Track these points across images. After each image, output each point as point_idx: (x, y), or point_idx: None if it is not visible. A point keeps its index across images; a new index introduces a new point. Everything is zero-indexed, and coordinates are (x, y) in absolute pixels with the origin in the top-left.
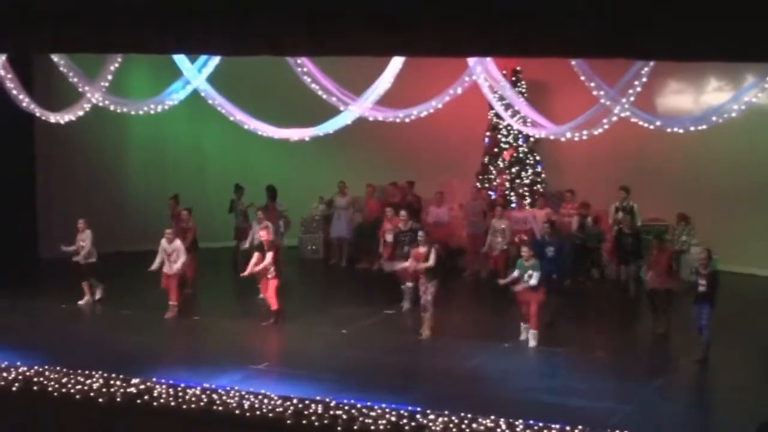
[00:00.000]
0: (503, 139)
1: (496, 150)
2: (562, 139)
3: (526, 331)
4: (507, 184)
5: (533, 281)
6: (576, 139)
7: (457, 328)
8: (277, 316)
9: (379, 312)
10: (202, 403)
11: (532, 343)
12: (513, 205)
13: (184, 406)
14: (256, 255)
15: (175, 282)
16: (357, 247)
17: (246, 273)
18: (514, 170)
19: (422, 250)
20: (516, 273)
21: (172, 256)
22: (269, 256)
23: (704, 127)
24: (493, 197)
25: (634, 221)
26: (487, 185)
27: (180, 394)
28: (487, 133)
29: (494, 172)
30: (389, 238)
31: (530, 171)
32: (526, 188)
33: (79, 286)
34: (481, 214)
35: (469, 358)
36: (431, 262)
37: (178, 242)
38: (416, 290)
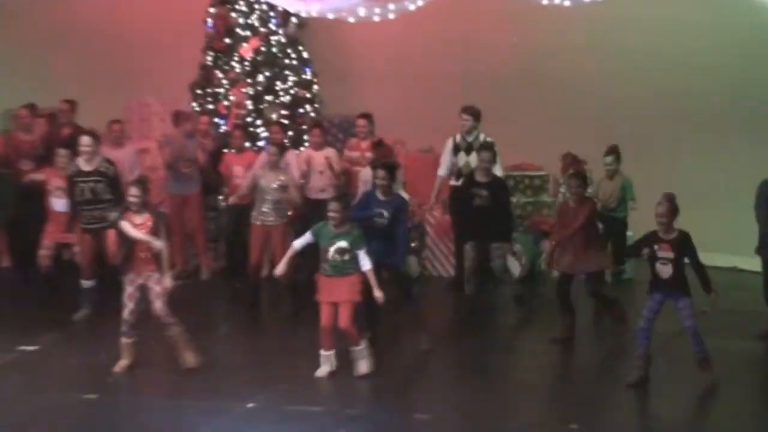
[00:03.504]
0: (241, 21)
1: (227, 41)
2: (351, 20)
3: (329, 361)
4: (249, 105)
5: (364, 260)
6: (376, 20)
7: (169, 380)
8: None
9: (12, 348)
10: None
11: (362, 368)
12: (263, 143)
13: None
14: None
15: None
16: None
17: None
18: (261, 78)
19: (138, 220)
20: (298, 242)
21: None
22: None
23: None
24: (223, 129)
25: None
26: (210, 107)
27: None
28: (210, 10)
29: (224, 81)
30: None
31: (292, 79)
32: (285, 111)
33: None
34: (198, 158)
35: (188, 429)
36: (160, 242)
37: None
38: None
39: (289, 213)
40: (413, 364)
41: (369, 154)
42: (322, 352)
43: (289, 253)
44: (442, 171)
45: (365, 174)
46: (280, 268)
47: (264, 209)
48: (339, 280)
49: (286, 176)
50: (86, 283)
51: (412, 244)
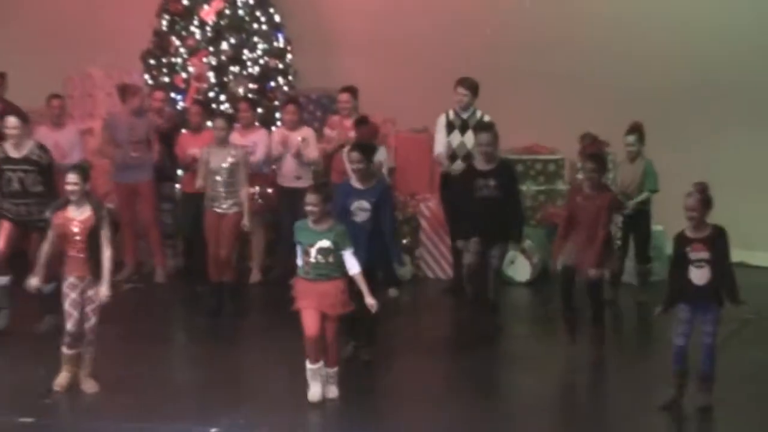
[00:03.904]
0: None
1: (186, 3)
2: None
3: (320, 375)
4: (211, 77)
5: (351, 262)
6: None
7: (117, 399)
8: None
9: None
10: None
11: (333, 393)
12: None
13: None
14: None
15: None
16: None
17: None
18: (226, 45)
19: (78, 215)
20: (300, 258)
21: None
22: None
23: None
24: (181, 105)
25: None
26: (166, 80)
27: None
28: None
29: (182, 50)
30: None
31: (262, 47)
32: (253, 85)
33: None
34: (149, 141)
35: None
36: (105, 244)
37: None
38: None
39: (259, 202)
40: (405, 381)
41: (353, 133)
42: (310, 366)
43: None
44: (438, 148)
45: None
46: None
47: (215, 193)
48: (325, 284)
49: (237, 151)
50: (1, 280)
51: (404, 241)
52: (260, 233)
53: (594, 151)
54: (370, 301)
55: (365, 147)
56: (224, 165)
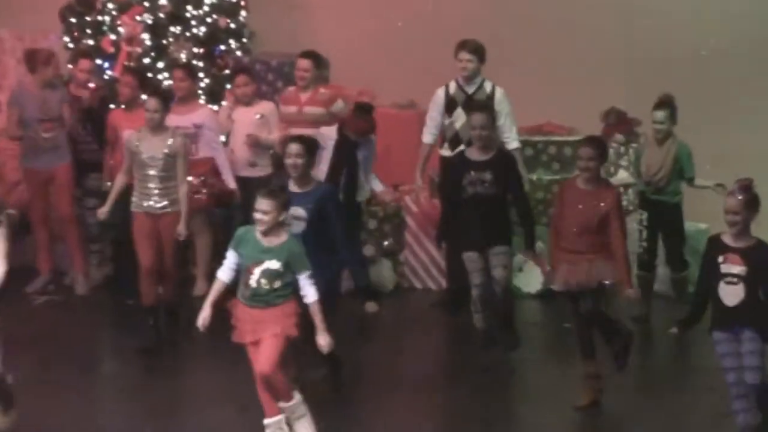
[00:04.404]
0: None
1: None
2: None
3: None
4: (147, 39)
5: (307, 289)
6: None
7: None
8: None
9: None
10: None
11: (303, 430)
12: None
13: None
14: None
15: None
16: None
17: None
18: (164, 0)
19: None
20: (226, 269)
21: None
22: None
23: None
24: (108, 74)
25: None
26: (90, 42)
27: None
28: None
29: (110, 5)
30: None
31: (209, 1)
32: (199, 48)
33: None
34: (65, 117)
35: None
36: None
37: None
38: None
39: (204, 196)
40: (385, 419)
41: (310, 109)
42: (267, 421)
43: (214, 291)
44: (427, 137)
45: (329, 132)
46: (203, 317)
47: (148, 191)
48: (262, 312)
49: (176, 138)
50: None
51: (385, 243)
52: (206, 234)
53: (617, 128)
54: (322, 341)
55: (308, 141)
56: (159, 156)
